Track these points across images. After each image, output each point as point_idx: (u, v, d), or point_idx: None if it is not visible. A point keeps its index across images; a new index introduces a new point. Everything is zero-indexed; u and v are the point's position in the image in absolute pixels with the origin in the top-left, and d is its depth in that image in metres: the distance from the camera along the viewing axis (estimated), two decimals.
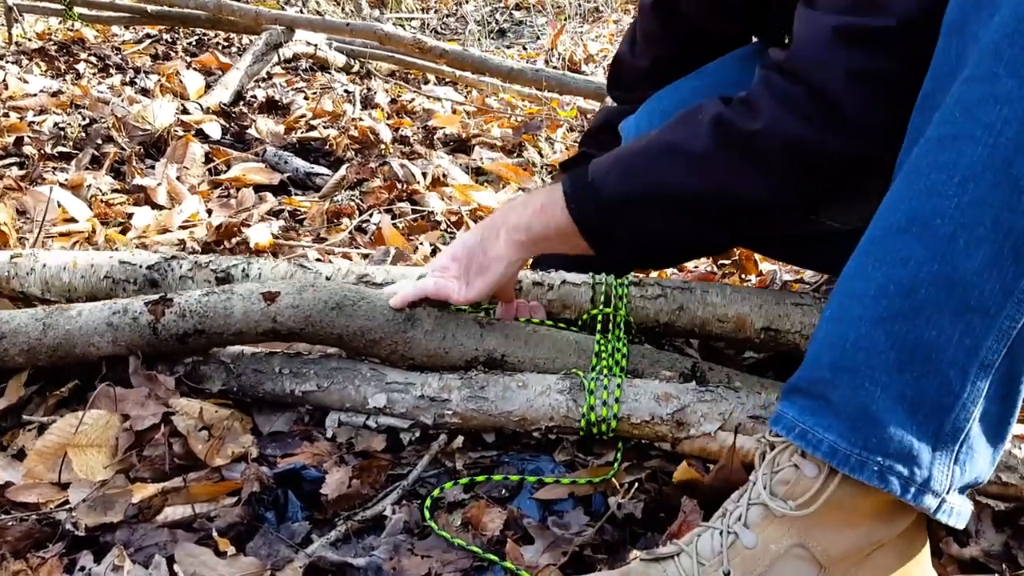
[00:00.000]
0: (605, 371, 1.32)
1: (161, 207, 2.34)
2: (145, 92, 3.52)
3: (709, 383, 1.33)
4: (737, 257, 1.99)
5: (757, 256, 2.02)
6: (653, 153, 1.18)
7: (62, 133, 2.82)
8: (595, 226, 1.21)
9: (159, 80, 3.60)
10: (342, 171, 2.58)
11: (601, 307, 1.43)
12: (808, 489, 0.94)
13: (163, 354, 1.38)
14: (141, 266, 1.53)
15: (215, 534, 1.11)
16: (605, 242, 1.22)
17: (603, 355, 1.34)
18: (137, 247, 1.99)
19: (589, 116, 3.44)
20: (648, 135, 1.21)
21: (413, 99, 3.83)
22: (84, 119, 2.96)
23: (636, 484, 1.22)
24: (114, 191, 2.43)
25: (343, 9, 6.36)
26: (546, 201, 1.24)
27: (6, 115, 2.99)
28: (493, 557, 1.08)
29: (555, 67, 4.62)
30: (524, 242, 1.26)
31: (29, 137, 2.76)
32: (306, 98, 3.66)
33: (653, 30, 1.60)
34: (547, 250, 1.29)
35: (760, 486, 0.97)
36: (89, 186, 2.38)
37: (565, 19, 6.83)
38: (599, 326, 1.41)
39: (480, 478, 1.25)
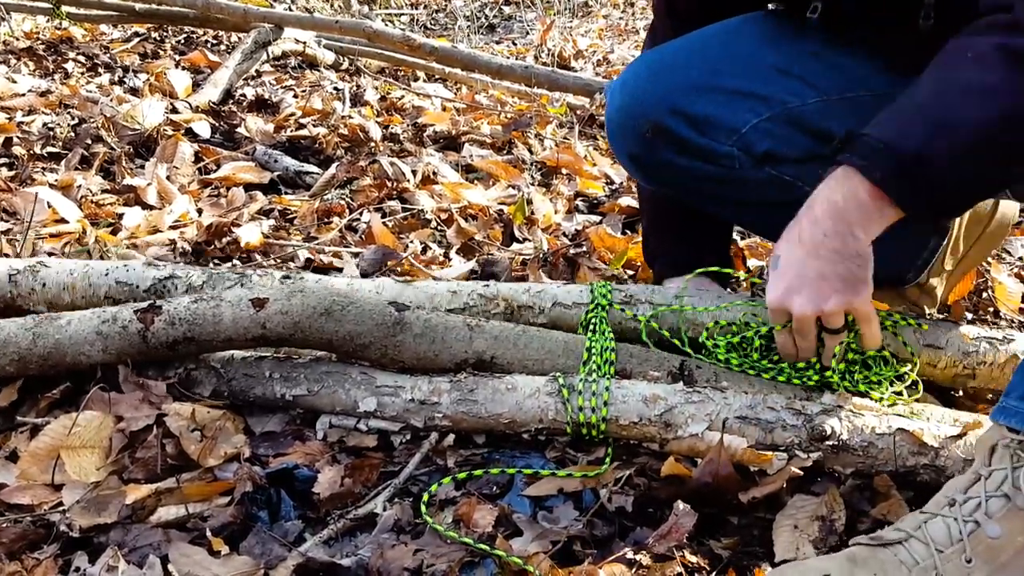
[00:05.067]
0: (595, 372, 1.33)
1: (151, 207, 2.34)
2: (134, 91, 3.51)
3: (697, 382, 1.35)
4: None
5: (745, 252, 2.04)
6: (938, 97, 1.13)
7: (51, 133, 2.81)
8: (902, 185, 1.13)
9: (148, 79, 3.59)
10: (332, 169, 2.59)
11: (595, 311, 1.45)
12: None
13: (153, 361, 1.39)
14: (138, 286, 1.54)
15: (209, 534, 1.12)
16: (915, 201, 1.15)
17: (594, 352, 1.36)
18: (128, 247, 2.00)
19: (579, 112, 3.45)
20: (918, 86, 1.15)
21: (403, 96, 3.83)
22: (73, 119, 2.96)
23: (625, 479, 1.24)
24: (104, 191, 2.43)
25: (332, 6, 6.35)
26: (846, 191, 1.16)
27: None
28: (484, 547, 1.10)
29: (544, 63, 4.62)
30: (873, 228, 1.18)
31: (18, 137, 2.75)
32: (296, 96, 3.66)
33: None
34: (876, 232, 1.19)
35: (1000, 478, 1.00)
36: (79, 186, 2.38)
37: (554, 14, 6.83)
38: (590, 325, 1.44)
39: (478, 472, 1.26)
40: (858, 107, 1.41)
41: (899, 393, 1.35)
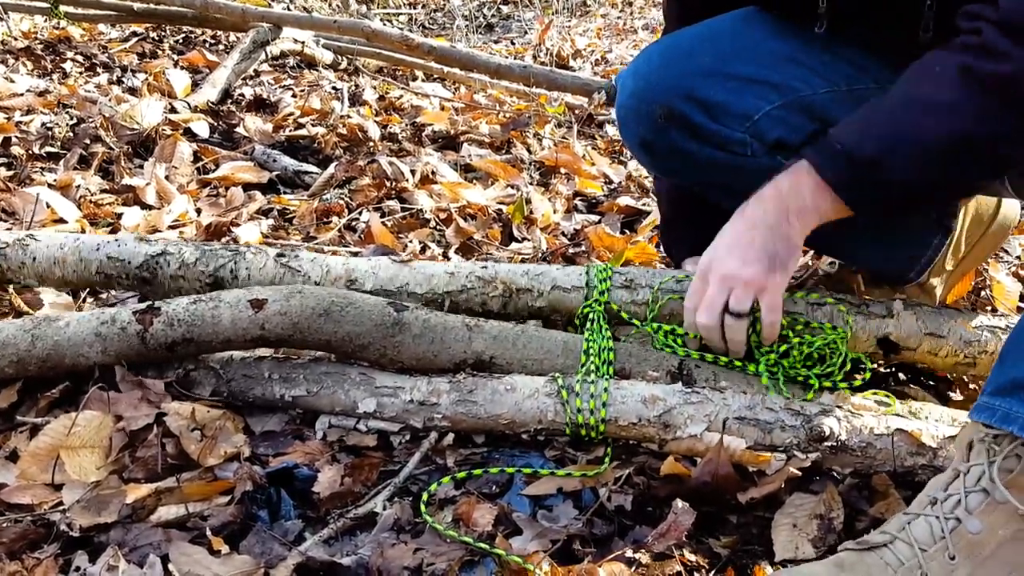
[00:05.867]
0: (592, 373, 1.33)
1: (150, 207, 2.34)
2: (132, 91, 3.51)
3: (695, 382, 1.35)
4: None
5: None
6: (900, 109, 1.21)
7: (50, 133, 2.81)
8: (853, 187, 1.23)
9: (146, 79, 3.59)
10: (331, 169, 2.59)
11: (592, 303, 1.45)
12: None
13: (152, 362, 1.39)
14: (130, 262, 1.52)
15: (209, 533, 1.13)
16: (863, 202, 1.25)
17: (591, 353, 1.36)
18: None
19: (577, 112, 3.45)
20: (885, 96, 1.23)
21: (401, 96, 3.83)
22: (72, 119, 2.96)
23: (624, 478, 1.24)
24: (103, 191, 2.43)
25: (330, 5, 6.35)
26: (792, 182, 1.27)
27: None
28: (484, 546, 1.10)
29: (543, 63, 4.63)
30: (807, 221, 1.29)
31: (16, 137, 2.75)
32: (294, 96, 3.66)
33: None
34: (810, 226, 1.30)
35: (977, 473, 1.01)
36: (78, 186, 2.38)
37: (553, 14, 6.84)
38: (588, 323, 1.43)
39: (477, 472, 1.26)
40: (864, 99, 1.42)
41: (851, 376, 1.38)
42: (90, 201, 2.32)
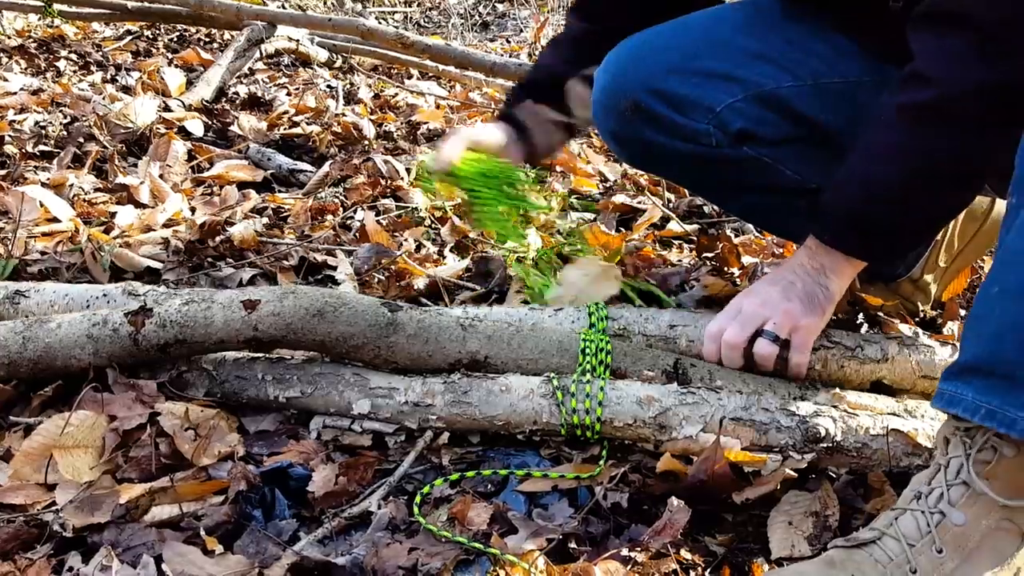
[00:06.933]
0: (588, 373, 1.33)
1: (144, 205, 2.33)
2: (126, 89, 3.50)
3: (691, 381, 1.35)
4: (720, 251, 2.01)
5: (740, 248, 2.04)
6: (864, 161, 1.27)
7: (43, 132, 2.80)
8: (850, 240, 1.31)
9: (140, 77, 3.58)
10: (325, 167, 2.58)
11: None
12: (1012, 469, 0.99)
13: (145, 364, 1.38)
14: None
15: (203, 533, 1.12)
16: (867, 250, 1.32)
17: (588, 352, 1.36)
18: (121, 246, 1.99)
19: None
20: (854, 150, 1.28)
21: (396, 94, 3.82)
22: (65, 117, 2.95)
23: (620, 476, 1.24)
24: (97, 190, 2.42)
25: (325, 3, 6.34)
26: (813, 246, 1.34)
27: None
28: (479, 545, 1.10)
29: None
30: (840, 273, 1.35)
31: (10, 136, 2.74)
32: (289, 94, 3.65)
33: None
34: (846, 276, 1.36)
35: (956, 466, 1.02)
36: (71, 185, 2.37)
37: (548, 11, 6.83)
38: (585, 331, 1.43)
39: (470, 474, 1.26)
40: (831, 93, 1.47)
41: None
42: (84, 200, 2.31)
